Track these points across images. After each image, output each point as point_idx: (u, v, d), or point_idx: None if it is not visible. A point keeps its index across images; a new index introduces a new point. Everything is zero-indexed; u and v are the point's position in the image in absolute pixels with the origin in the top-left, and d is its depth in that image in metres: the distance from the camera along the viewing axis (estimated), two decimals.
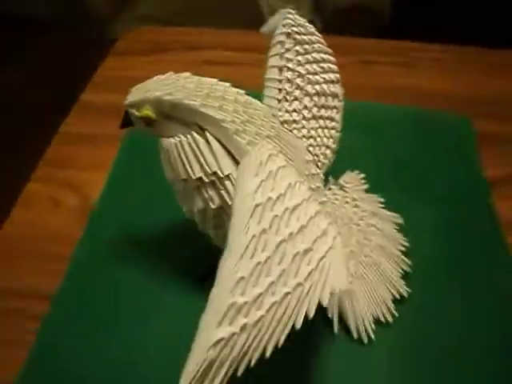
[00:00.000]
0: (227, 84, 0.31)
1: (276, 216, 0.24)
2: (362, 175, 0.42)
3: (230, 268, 0.22)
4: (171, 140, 0.31)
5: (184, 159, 0.31)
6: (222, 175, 0.30)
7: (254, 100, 0.32)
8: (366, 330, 0.35)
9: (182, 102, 0.30)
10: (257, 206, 0.24)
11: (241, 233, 0.23)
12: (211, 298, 0.22)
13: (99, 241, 0.40)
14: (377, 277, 0.36)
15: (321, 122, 0.37)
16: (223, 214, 0.32)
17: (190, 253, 0.39)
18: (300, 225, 0.24)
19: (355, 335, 0.34)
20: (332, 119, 0.38)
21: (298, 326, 0.23)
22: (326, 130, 0.37)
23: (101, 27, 1.27)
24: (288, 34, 0.36)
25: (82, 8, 1.22)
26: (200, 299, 0.34)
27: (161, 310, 0.36)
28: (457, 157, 0.48)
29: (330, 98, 0.37)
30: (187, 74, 0.31)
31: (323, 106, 0.37)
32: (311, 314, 0.24)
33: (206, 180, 0.31)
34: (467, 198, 0.44)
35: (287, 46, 0.36)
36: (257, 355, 0.22)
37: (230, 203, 0.31)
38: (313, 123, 0.36)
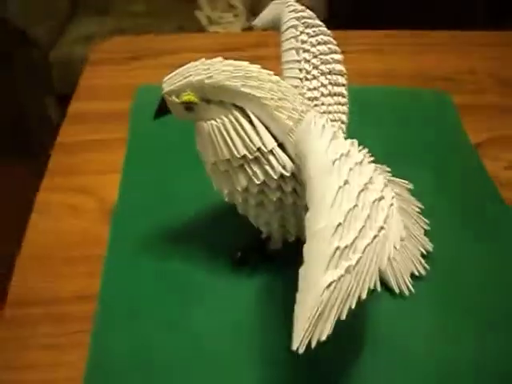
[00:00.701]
0: (258, 66, 0.33)
1: (351, 169, 0.26)
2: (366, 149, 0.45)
3: (324, 217, 0.24)
4: (213, 122, 0.32)
5: (227, 139, 0.32)
6: (266, 150, 0.32)
7: (282, 80, 0.34)
8: (407, 285, 0.37)
9: (223, 84, 0.31)
10: (334, 161, 0.26)
11: (325, 186, 0.25)
12: (308, 249, 0.24)
13: (128, 237, 0.40)
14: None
15: (335, 98, 0.39)
16: (266, 189, 0.34)
17: (222, 238, 0.40)
18: (369, 176, 0.26)
19: (397, 290, 0.37)
20: (343, 95, 0.40)
21: (384, 266, 0.25)
22: (339, 106, 0.39)
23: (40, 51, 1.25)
24: (298, 18, 0.39)
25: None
26: (239, 283, 0.37)
27: (205, 297, 0.37)
28: (443, 126, 0.52)
29: (339, 76, 0.40)
30: (220, 58, 0.33)
31: (335, 84, 0.39)
32: (392, 255, 0.26)
33: (250, 157, 0.32)
34: (458, 159, 0.48)
35: (300, 28, 0.38)
36: (356, 297, 0.24)
37: (275, 177, 0.32)
38: (329, 99, 0.39)
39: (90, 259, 0.39)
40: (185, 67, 0.33)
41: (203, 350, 0.33)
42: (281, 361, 0.32)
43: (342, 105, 0.40)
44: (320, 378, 0.32)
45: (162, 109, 0.33)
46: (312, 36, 0.39)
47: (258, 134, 0.32)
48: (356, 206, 0.25)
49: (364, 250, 0.24)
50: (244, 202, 0.35)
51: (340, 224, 0.24)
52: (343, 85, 0.40)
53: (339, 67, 0.40)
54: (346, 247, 0.23)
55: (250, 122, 0.32)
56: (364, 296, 0.24)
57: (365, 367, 0.33)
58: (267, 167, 0.33)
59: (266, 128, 0.32)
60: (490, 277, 0.39)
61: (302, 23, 0.39)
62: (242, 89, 0.31)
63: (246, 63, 0.33)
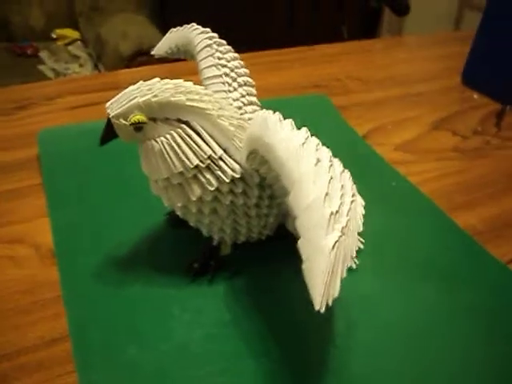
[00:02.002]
0: (191, 82, 0.36)
1: (317, 148, 0.30)
2: None
3: (312, 192, 0.27)
4: (162, 139, 0.34)
5: (179, 152, 0.34)
6: (216, 157, 0.35)
7: (213, 93, 0.37)
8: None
9: (169, 101, 0.33)
10: (302, 144, 0.29)
11: (302, 166, 0.28)
12: (303, 221, 0.27)
13: (81, 273, 0.39)
14: None
15: (253, 107, 0.43)
16: (219, 195, 0.36)
17: (172, 255, 0.42)
18: (329, 155, 0.30)
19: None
20: (257, 104, 0.44)
21: (360, 228, 0.29)
22: (251, 114, 0.43)
23: None
24: (209, 38, 0.42)
25: None
26: (204, 292, 0.38)
27: (175, 312, 0.38)
28: (332, 123, 0.58)
29: (250, 87, 0.44)
30: (157, 78, 0.35)
31: (250, 94, 0.43)
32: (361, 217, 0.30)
33: (203, 165, 0.35)
34: (353, 150, 0.55)
35: (214, 47, 0.42)
36: (351, 256, 0.27)
37: (227, 180, 0.35)
38: (249, 108, 0.42)
39: (45, 303, 0.38)
40: (125, 91, 0.34)
41: (187, 361, 0.34)
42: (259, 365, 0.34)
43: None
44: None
45: (109, 133, 0.34)
46: (225, 53, 0.42)
47: (206, 143, 0.35)
48: (332, 178, 0.28)
49: (347, 213, 0.28)
50: (198, 213, 0.37)
51: (327, 194, 0.27)
52: (255, 95, 0.44)
53: (249, 79, 0.44)
54: (336, 212, 0.27)
55: (197, 133, 0.35)
56: (354, 254, 0.28)
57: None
58: (219, 172, 0.35)
59: (211, 137, 0.35)
60: (404, 245, 0.45)
61: (214, 42, 0.42)
62: (187, 103, 0.34)
63: (181, 80, 0.35)
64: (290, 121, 0.31)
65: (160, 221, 0.45)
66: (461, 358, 0.36)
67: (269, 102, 0.44)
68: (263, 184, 0.37)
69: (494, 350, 0.37)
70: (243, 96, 0.42)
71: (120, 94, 0.34)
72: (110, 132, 0.34)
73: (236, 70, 0.42)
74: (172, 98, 0.33)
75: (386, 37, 0.86)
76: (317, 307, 0.25)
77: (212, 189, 0.35)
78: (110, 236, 0.43)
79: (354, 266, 0.40)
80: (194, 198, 0.36)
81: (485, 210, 0.51)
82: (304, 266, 0.26)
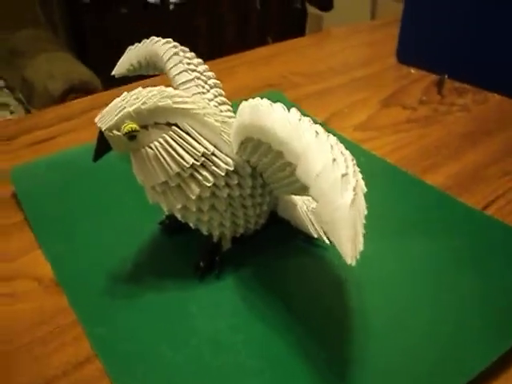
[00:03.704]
0: (171, 88, 0.37)
1: (312, 124, 0.31)
2: None
3: (320, 160, 0.29)
4: (155, 143, 0.35)
5: (174, 154, 0.35)
6: (209, 153, 0.36)
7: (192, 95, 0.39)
8: None
9: (158, 106, 0.35)
10: (299, 120, 0.31)
11: (304, 140, 0.30)
12: (316, 188, 0.28)
13: (91, 295, 0.40)
14: None
15: (226, 106, 0.45)
16: (216, 190, 0.37)
17: (175, 259, 0.43)
18: (322, 128, 0.32)
19: None
20: (228, 104, 0.45)
21: (365, 190, 0.31)
22: (230, 113, 0.45)
23: None
24: (175, 46, 0.43)
25: None
26: (216, 289, 0.39)
27: (192, 312, 0.38)
28: None
29: (219, 89, 0.45)
30: (140, 88, 0.36)
31: (220, 95, 0.45)
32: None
33: (198, 163, 0.36)
34: None
35: (181, 54, 0.43)
36: (364, 213, 0.29)
37: (222, 174, 0.36)
38: (223, 108, 0.44)
39: (62, 330, 0.38)
40: (112, 104, 0.35)
41: (220, 351, 0.35)
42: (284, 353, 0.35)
43: (231, 111, 0.45)
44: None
45: (103, 147, 0.35)
46: (191, 59, 0.44)
47: (197, 141, 0.36)
48: (332, 146, 0.30)
49: (354, 175, 0.30)
50: (198, 211, 0.38)
51: (334, 159, 0.29)
52: (223, 95, 0.46)
53: (217, 81, 0.46)
54: (346, 174, 0.29)
55: (187, 133, 0.36)
56: (366, 212, 0.30)
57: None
58: (214, 168, 0.37)
59: (201, 135, 0.36)
60: (386, 208, 0.48)
61: (180, 50, 0.43)
62: (174, 105, 0.35)
63: (162, 86, 0.37)
64: (279, 103, 0.33)
65: (154, 231, 0.45)
66: (452, 297, 0.39)
67: (234, 103, 0.45)
68: (255, 174, 0.39)
69: (480, 287, 0.40)
70: (216, 96, 0.44)
71: (107, 108, 0.35)
72: (103, 146, 0.35)
73: (205, 73, 0.44)
74: (159, 103, 0.35)
75: (312, 33, 0.90)
76: (349, 261, 0.27)
77: (209, 185, 0.37)
78: (109, 254, 0.43)
79: None
80: (193, 197, 0.37)
81: (449, 169, 0.54)
82: (326, 229, 0.28)
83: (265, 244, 0.44)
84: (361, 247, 0.28)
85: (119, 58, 0.49)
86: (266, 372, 0.34)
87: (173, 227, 0.45)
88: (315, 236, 0.43)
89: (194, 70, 0.43)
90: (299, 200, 0.44)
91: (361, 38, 0.93)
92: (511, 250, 0.43)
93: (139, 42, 0.47)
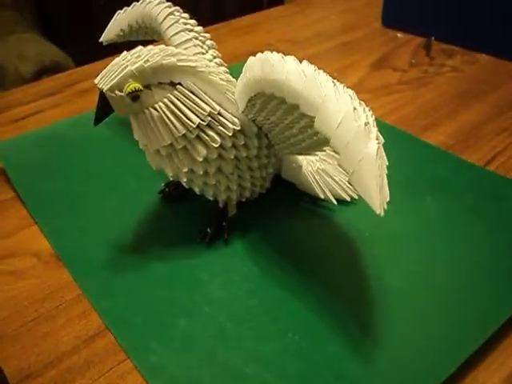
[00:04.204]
0: (171, 46, 0.35)
1: (326, 74, 0.30)
2: None
3: (340, 109, 0.28)
4: (160, 104, 0.34)
5: (179, 114, 0.34)
6: (215, 112, 0.35)
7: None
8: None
9: (162, 63, 0.33)
10: (314, 70, 0.30)
11: (322, 90, 0.29)
12: (339, 138, 0.27)
13: (96, 267, 0.38)
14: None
15: (224, 68, 0.43)
16: (222, 152, 0.36)
17: (182, 227, 0.41)
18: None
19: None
20: (225, 66, 0.44)
21: (383, 141, 0.30)
22: (229, 75, 0.43)
23: None
24: (169, 6, 0.41)
25: None
26: (226, 255, 0.38)
27: (205, 279, 0.37)
28: None
29: (216, 51, 0.44)
30: (140, 46, 0.34)
31: (218, 56, 0.43)
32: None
33: (204, 123, 0.34)
34: None
35: (177, 14, 0.41)
36: (386, 164, 0.28)
37: (229, 134, 0.35)
38: (222, 69, 0.42)
39: (68, 305, 0.36)
40: (113, 64, 0.33)
41: (238, 317, 0.34)
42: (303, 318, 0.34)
43: (229, 74, 0.44)
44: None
45: (104, 109, 0.33)
46: (187, 19, 0.42)
47: (203, 100, 0.34)
48: (350, 96, 0.29)
49: (373, 126, 0.29)
50: (204, 175, 0.37)
51: (354, 108, 0.28)
52: (221, 57, 0.44)
53: (214, 43, 0.44)
54: (367, 123, 0.28)
55: (192, 92, 0.34)
56: (387, 163, 0.29)
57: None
58: (220, 128, 0.35)
59: (206, 94, 0.35)
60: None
61: (175, 10, 0.41)
62: (179, 63, 0.33)
63: (163, 45, 0.35)
64: (291, 56, 0.32)
65: (154, 200, 0.44)
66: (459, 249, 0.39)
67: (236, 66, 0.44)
68: (260, 134, 0.38)
69: (492, 241, 0.40)
70: (215, 57, 0.42)
71: (107, 68, 0.33)
72: (104, 108, 0.33)
73: (202, 34, 0.42)
74: (163, 61, 0.33)
75: (295, 2, 0.89)
76: (378, 211, 0.26)
77: (216, 145, 0.35)
78: (109, 226, 0.41)
79: None
80: (200, 159, 0.35)
81: (446, 128, 0.54)
82: (352, 179, 0.27)
83: (271, 208, 0.43)
84: (387, 197, 0.27)
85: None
86: (281, 335, 0.33)
87: (173, 195, 0.43)
88: (322, 197, 0.42)
89: (191, 30, 0.41)
90: (304, 161, 0.42)
91: (340, 5, 0.91)
92: None
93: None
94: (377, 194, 0.26)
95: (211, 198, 0.39)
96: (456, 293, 0.36)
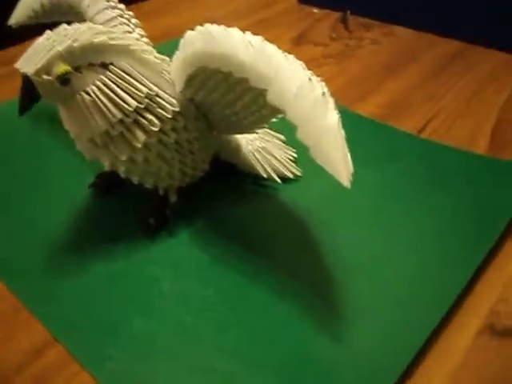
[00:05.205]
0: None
1: (269, 43, 0.29)
2: None
3: (295, 80, 0.26)
4: (92, 87, 0.31)
5: (114, 97, 0.31)
6: (153, 93, 0.32)
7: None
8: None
9: (92, 42, 0.30)
10: (262, 41, 0.28)
11: (273, 62, 0.27)
12: (298, 108, 0.26)
13: (29, 273, 0.35)
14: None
15: (150, 47, 0.40)
16: (162, 136, 0.34)
17: (121, 219, 0.38)
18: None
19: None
20: (151, 45, 0.41)
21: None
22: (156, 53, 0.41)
23: None
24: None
25: None
26: (171, 245, 0.36)
27: (152, 271, 0.35)
28: None
29: (141, 29, 0.41)
30: (64, 25, 0.31)
31: (144, 35, 0.40)
32: None
33: (142, 106, 0.32)
34: None
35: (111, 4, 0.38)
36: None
37: (169, 117, 0.33)
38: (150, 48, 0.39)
39: (3, 318, 0.33)
40: (36, 44, 0.30)
41: (184, 323, 0.32)
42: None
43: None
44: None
45: (30, 96, 0.30)
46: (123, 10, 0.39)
47: (139, 81, 0.32)
48: (301, 65, 0.28)
49: (329, 95, 0.28)
50: (144, 162, 0.34)
51: (309, 78, 0.26)
52: (147, 36, 0.41)
53: (138, 21, 0.41)
54: (324, 93, 0.26)
55: (127, 73, 0.32)
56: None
57: None
58: (159, 110, 0.33)
59: (141, 74, 0.32)
60: None
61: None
62: (111, 42, 0.30)
63: (89, 23, 0.32)
64: (234, 28, 0.30)
65: (86, 195, 0.40)
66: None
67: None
68: (198, 115, 0.36)
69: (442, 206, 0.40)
70: (142, 36, 0.39)
71: (30, 49, 0.29)
72: (30, 95, 0.30)
73: (126, 12, 0.39)
74: (94, 40, 0.30)
75: None
76: (345, 183, 0.25)
77: (156, 129, 0.33)
78: (41, 227, 0.38)
79: None
80: (139, 145, 0.33)
81: (376, 99, 0.54)
82: (315, 153, 0.26)
83: (213, 192, 0.41)
84: (351, 168, 0.26)
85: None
86: (243, 322, 0.32)
87: (105, 186, 0.40)
88: (264, 176, 0.41)
89: (114, 8, 0.38)
90: (243, 140, 0.41)
91: None
92: (460, 169, 0.43)
93: None
94: (342, 167, 0.25)
95: (150, 187, 0.37)
96: (416, 261, 0.35)
